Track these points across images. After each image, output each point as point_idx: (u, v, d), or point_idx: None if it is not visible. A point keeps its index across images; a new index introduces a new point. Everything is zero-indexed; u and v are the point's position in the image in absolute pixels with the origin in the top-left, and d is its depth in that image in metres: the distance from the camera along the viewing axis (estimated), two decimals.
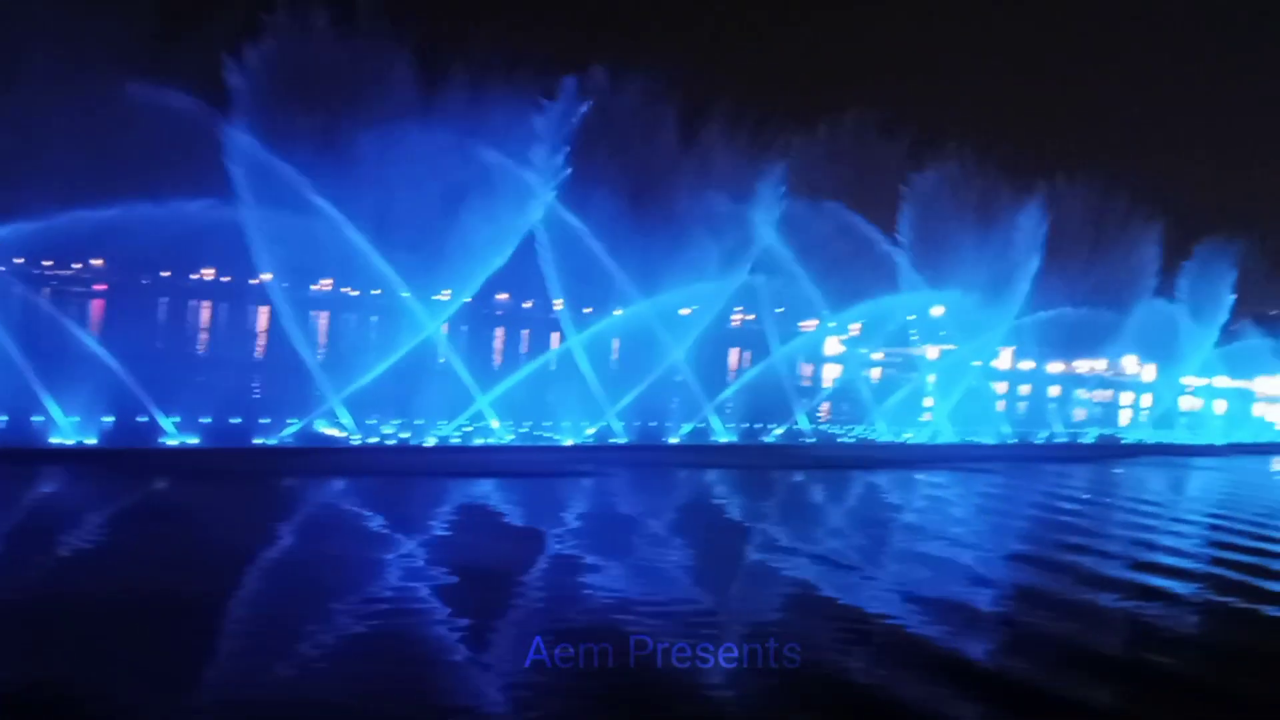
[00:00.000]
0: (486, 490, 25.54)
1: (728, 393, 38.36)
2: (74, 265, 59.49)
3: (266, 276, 27.91)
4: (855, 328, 49.37)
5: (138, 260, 47.41)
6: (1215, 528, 27.91)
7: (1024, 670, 14.53)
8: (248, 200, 25.86)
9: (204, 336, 75.61)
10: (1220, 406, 63.58)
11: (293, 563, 17.86)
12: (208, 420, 26.53)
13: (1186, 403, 56.72)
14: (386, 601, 15.38)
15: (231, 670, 12.37)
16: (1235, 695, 14.39)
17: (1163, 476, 39.01)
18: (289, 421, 27.35)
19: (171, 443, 25.45)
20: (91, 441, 24.78)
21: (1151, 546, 24.22)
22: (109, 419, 25.30)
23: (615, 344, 38.09)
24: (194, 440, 25.78)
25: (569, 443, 31.02)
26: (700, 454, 32.53)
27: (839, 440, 38.03)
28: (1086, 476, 36.82)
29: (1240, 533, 27.07)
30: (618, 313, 35.75)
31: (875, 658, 14.39)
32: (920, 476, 33.04)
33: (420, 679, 12.30)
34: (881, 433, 38.37)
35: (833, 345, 66.54)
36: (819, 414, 41.92)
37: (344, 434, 27.98)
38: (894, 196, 38.04)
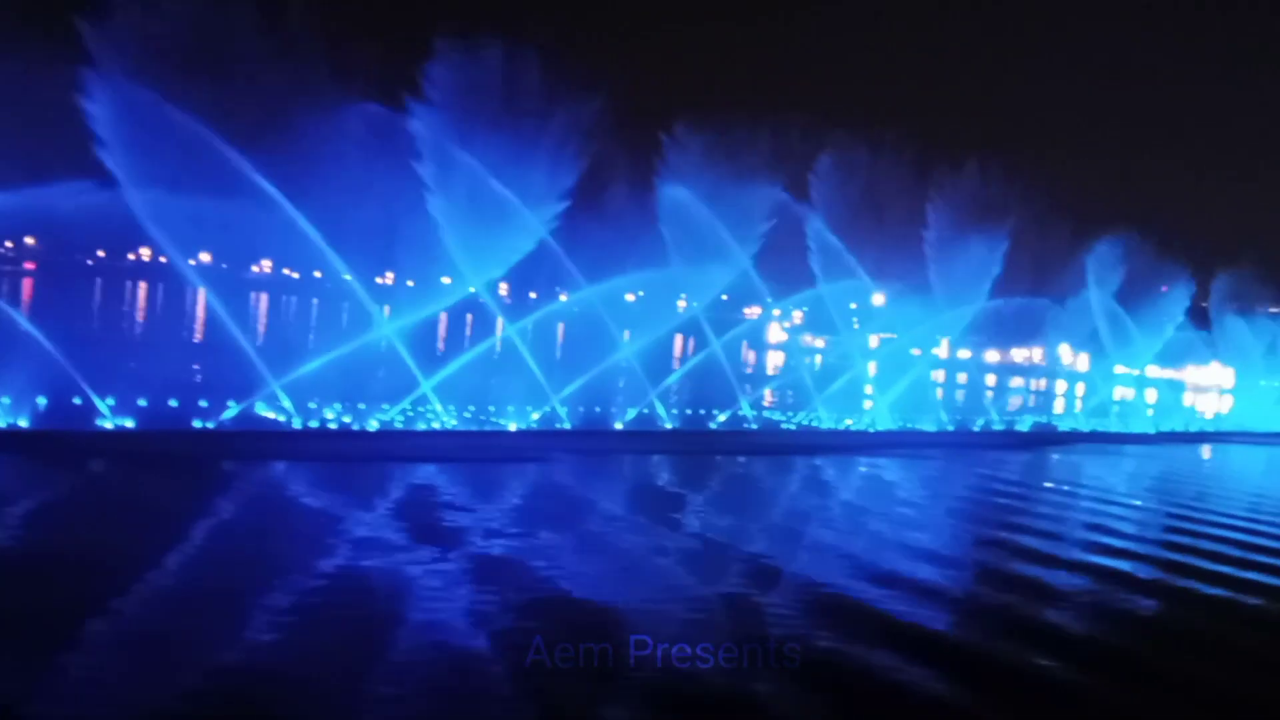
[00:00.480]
0: (429, 475, 25.43)
1: (672, 379, 38.63)
2: (6, 244, 58.00)
3: (205, 257, 27.48)
4: (798, 315, 49.84)
5: (72, 240, 46.33)
6: (1147, 511, 28.81)
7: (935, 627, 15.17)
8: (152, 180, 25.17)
9: (141, 318, 74.14)
10: (1152, 396, 65.17)
11: (227, 547, 17.64)
12: (144, 403, 26.09)
13: (1119, 392, 58.05)
14: (321, 588, 15.25)
15: (156, 657, 12.25)
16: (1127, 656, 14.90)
17: (1097, 463, 39.91)
18: (228, 404, 26.98)
19: (107, 425, 25.00)
20: (24, 424, 24.26)
21: (1083, 526, 24.99)
22: (42, 401, 24.78)
23: (560, 328, 38.14)
24: (129, 423, 25.34)
25: (514, 428, 30.98)
26: (645, 440, 32.68)
27: (782, 426, 38.45)
28: (1022, 462, 37.67)
29: (1173, 515, 28.03)
30: (564, 298, 35.81)
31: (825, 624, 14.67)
32: (862, 462, 33.56)
33: (359, 661, 12.29)
34: (823, 419, 38.82)
35: (776, 332, 67.29)
36: (763, 400, 42.33)
37: (284, 418, 27.67)
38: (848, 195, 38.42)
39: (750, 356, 70.33)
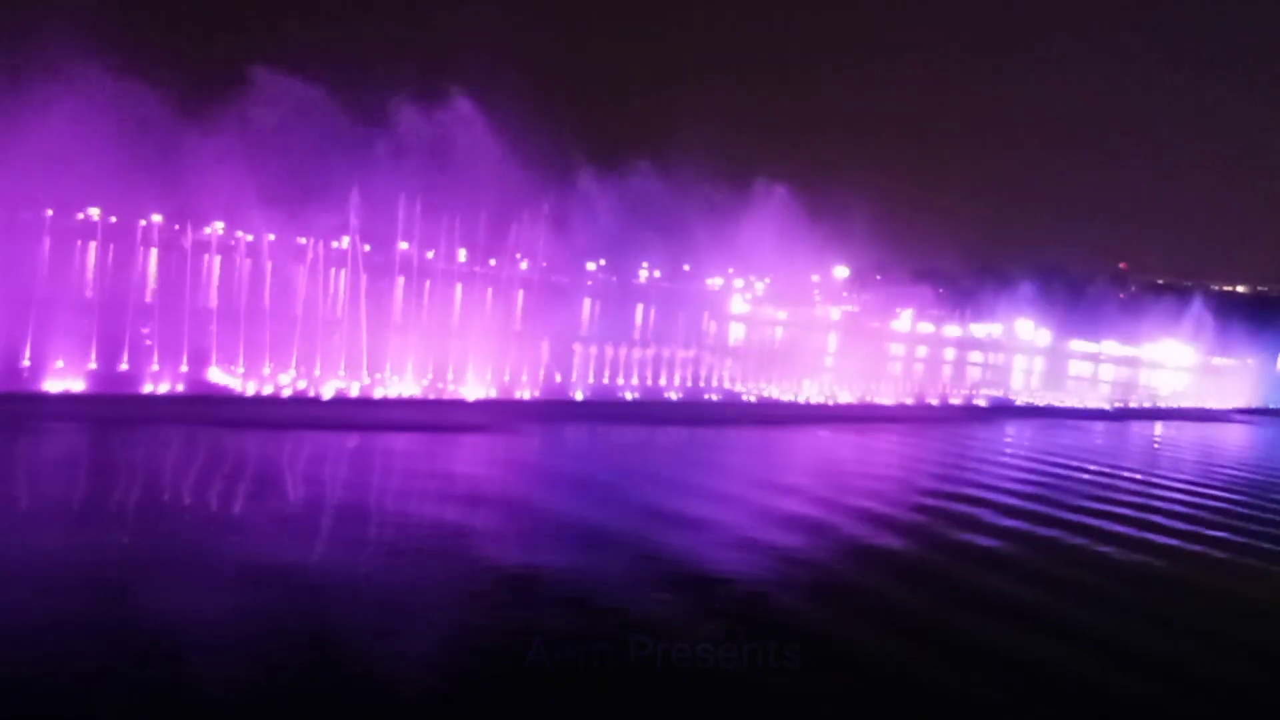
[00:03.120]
0: (385, 445, 24.96)
1: (634, 351, 38.43)
2: None
3: (156, 218, 26.82)
4: (761, 287, 49.79)
5: (17, 197, 45.11)
6: (1102, 482, 29.18)
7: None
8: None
9: (90, 279, 72.47)
10: (1109, 372, 65.97)
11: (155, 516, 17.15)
12: (94, 366, 25.41)
13: (1076, 367, 58.70)
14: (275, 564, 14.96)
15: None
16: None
17: (1056, 437, 40.27)
18: (181, 369, 26.35)
19: (56, 389, 24.31)
20: None
21: (1032, 497, 25.27)
22: None
23: (519, 298, 37.76)
24: (79, 387, 24.67)
25: (473, 398, 30.58)
26: (607, 409, 32.48)
27: (742, 398, 38.40)
28: (978, 436, 37.96)
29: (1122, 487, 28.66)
30: (523, 265, 35.50)
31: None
32: (823, 434, 33.71)
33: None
34: (784, 391, 38.81)
35: (738, 304, 67.27)
36: (725, 372, 42.23)
37: (238, 383, 27.11)
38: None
39: (712, 328, 70.29)
